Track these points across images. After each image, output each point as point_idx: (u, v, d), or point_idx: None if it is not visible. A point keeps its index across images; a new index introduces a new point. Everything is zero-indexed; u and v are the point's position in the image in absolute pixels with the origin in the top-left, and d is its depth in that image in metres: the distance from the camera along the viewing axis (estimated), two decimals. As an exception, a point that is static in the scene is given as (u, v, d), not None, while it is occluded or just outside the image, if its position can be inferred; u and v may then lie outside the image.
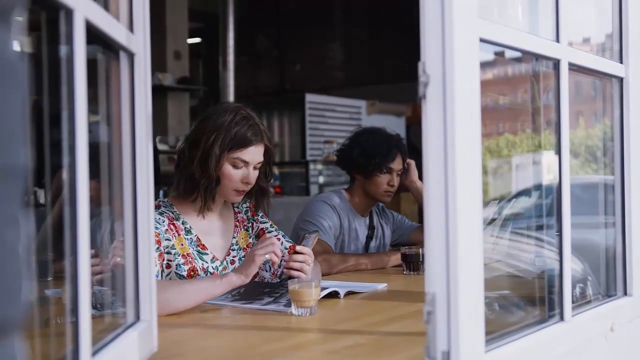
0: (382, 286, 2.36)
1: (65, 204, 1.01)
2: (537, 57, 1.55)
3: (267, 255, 1.99)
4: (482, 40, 1.25)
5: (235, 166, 2.21)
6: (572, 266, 1.55)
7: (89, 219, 1.02)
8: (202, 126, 2.23)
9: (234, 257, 2.34)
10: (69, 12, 0.99)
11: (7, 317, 0.57)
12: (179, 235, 2.20)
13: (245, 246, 2.38)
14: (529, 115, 1.94)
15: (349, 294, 2.19)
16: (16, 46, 0.61)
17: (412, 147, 3.18)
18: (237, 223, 2.40)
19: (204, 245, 2.26)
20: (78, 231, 0.99)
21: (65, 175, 1.01)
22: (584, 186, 1.86)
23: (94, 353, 1.08)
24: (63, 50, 1.01)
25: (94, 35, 1.11)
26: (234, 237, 2.37)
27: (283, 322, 1.82)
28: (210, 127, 2.19)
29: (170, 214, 2.23)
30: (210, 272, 2.24)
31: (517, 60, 1.72)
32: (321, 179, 7.45)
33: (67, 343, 1.01)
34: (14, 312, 0.57)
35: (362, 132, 3.11)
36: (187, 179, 2.23)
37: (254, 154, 2.23)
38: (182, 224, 2.24)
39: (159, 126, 7.44)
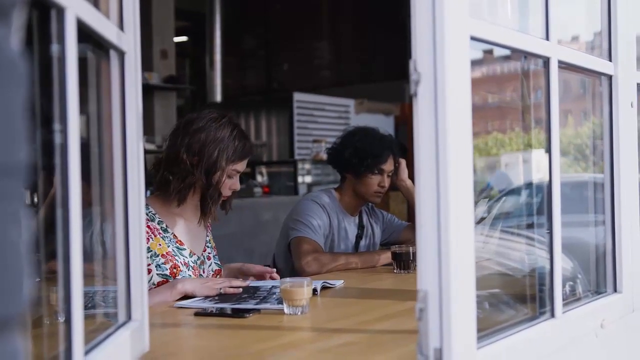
0: (339, 283, 2.38)
1: (55, 204, 1.00)
2: (527, 54, 1.55)
3: (221, 290, 2.13)
4: (473, 38, 1.25)
5: (230, 176, 2.30)
6: (562, 264, 1.56)
7: (81, 219, 1.01)
8: (198, 137, 2.25)
9: (209, 253, 2.43)
10: (61, 11, 0.98)
11: (10, 313, 0.57)
12: (155, 236, 2.22)
13: (213, 246, 2.49)
14: (517, 113, 1.95)
15: (324, 289, 2.24)
16: (16, 44, 0.61)
17: (401, 146, 3.18)
18: (208, 223, 2.48)
19: (180, 241, 2.31)
20: (70, 231, 0.99)
21: (57, 175, 1.00)
22: (572, 184, 1.87)
23: (86, 352, 1.07)
24: (54, 48, 1.00)
25: (84, 34, 1.10)
26: (207, 235, 2.46)
27: (274, 321, 1.82)
28: (211, 140, 2.24)
29: (145, 215, 2.25)
30: (191, 267, 2.29)
31: (505, 58, 1.72)
32: (310, 179, 7.43)
33: (58, 343, 1.01)
34: (16, 309, 0.58)
35: (355, 131, 3.08)
36: (188, 187, 2.27)
37: (245, 164, 2.35)
38: (158, 223, 2.28)
39: (146, 126, 7.36)
